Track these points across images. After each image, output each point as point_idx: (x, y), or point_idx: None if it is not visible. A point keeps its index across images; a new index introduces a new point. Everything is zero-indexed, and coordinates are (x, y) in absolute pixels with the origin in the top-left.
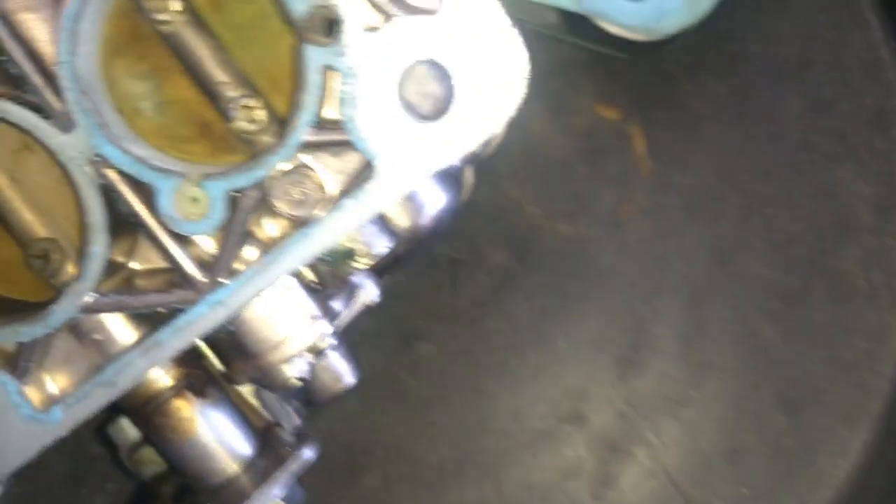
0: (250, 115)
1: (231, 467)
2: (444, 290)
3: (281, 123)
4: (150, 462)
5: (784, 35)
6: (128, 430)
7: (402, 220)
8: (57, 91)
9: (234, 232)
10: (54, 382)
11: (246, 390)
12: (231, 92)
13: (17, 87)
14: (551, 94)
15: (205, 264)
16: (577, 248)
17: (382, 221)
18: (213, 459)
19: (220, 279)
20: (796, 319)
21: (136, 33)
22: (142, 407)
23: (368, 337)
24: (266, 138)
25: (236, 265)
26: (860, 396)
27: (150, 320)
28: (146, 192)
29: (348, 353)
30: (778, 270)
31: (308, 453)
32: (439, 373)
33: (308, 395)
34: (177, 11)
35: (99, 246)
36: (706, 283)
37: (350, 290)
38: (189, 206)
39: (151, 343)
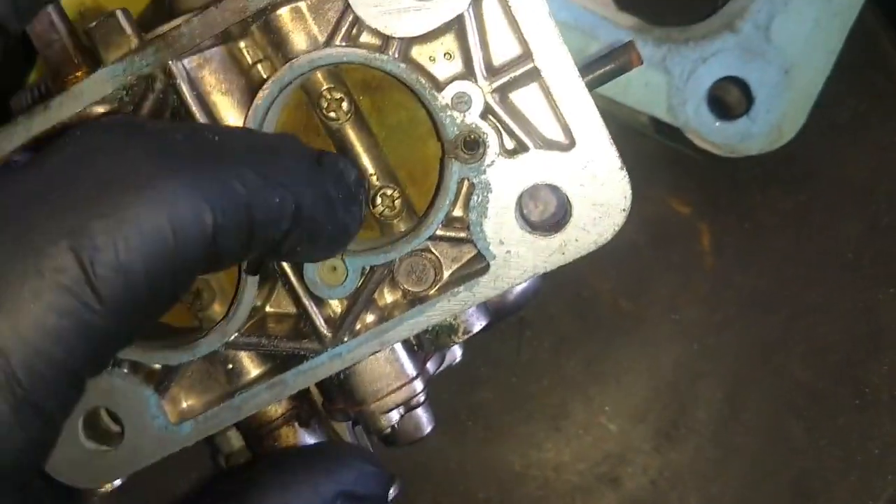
0: (390, 203)
1: None
2: (509, 344)
3: (412, 211)
4: None
5: (853, 161)
6: (233, 440)
7: (498, 301)
8: None
9: (361, 300)
10: (186, 401)
11: (340, 426)
12: (377, 181)
13: None
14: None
15: (330, 322)
16: (634, 324)
17: (483, 304)
18: None
19: (343, 337)
20: (821, 418)
21: (307, 124)
22: (255, 429)
23: (438, 377)
24: (399, 222)
25: (357, 326)
26: (866, 495)
27: (273, 358)
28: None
29: (428, 403)
30: (812, 373)
31: (394, 493)
32: (495, 418)
33: (389, 438)
34: (344, 112)
35: (249, 295)
36: (747, 375)
37: (441, 354)
38: (328, 273)
39: (277, 381)
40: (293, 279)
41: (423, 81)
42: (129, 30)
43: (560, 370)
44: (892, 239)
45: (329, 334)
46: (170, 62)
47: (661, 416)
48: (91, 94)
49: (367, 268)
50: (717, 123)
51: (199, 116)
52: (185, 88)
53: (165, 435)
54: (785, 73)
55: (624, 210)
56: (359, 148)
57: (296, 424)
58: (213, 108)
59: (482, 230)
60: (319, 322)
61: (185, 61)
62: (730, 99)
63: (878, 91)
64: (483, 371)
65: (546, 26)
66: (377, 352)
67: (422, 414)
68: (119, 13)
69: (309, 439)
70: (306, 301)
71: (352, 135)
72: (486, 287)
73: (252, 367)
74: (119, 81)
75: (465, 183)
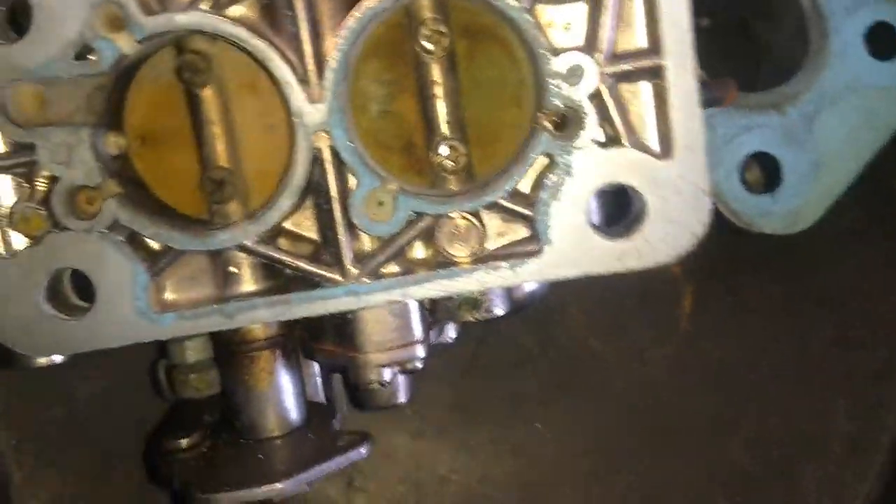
0: (454, 156)
1: (278, 429)
2: (468, 346)
3: (469, 173)
4: (194, 387)
5: (846, 269)
6: (189, 351)
7: (517, 293)
8: (320, 66)
9: (397, 244)
10: (172, 292)
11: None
12: (446, 130)
13: (277, 36)
14: None
15: (357, 257)
16: (596, 364)
17: (508, 291)
18: (267, 415)
19: (365, 276)
20: (750, 500)
21: (396, 47)
22: (234, 344)
23: None
24: (453, 179)
25: (382, 270)
26: None
27: (277, 276)
28: (343, 180)
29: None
30: (751, 460)
31: (362, 452)
32: (435, 414)
33: (367, 397)
34: (442, 47)
35: (287, 202)
36: (689, 443)
37: (442, 327)
38: (374, 207)
39: (281, 301)
40: (336, 201)
41: (543, 40)
42: None
43: (512, 385)
44: (858, 354)
45: (354, 269)
46: None
47: (597, 457)
48: None
49: (413, 214)
50: (744, 193)
51: (300, 8)
52: None
53: (141, 320)
54: (816, 166)
55: (695, 236)
56: (440, 89)
57: (278, 352)
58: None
59: (548, 212)
60: (347, 253)
61: None
62: (749, 176)
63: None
64: (436, 362)
65: (685, 26)
66: (395, 302)
67: (404, 382)
68: None
69: (284, 373)
70: (341, 227)
71: (438, 74)
72: (531, 271)
73: (253, 279)
74: None
75: (546, 159)
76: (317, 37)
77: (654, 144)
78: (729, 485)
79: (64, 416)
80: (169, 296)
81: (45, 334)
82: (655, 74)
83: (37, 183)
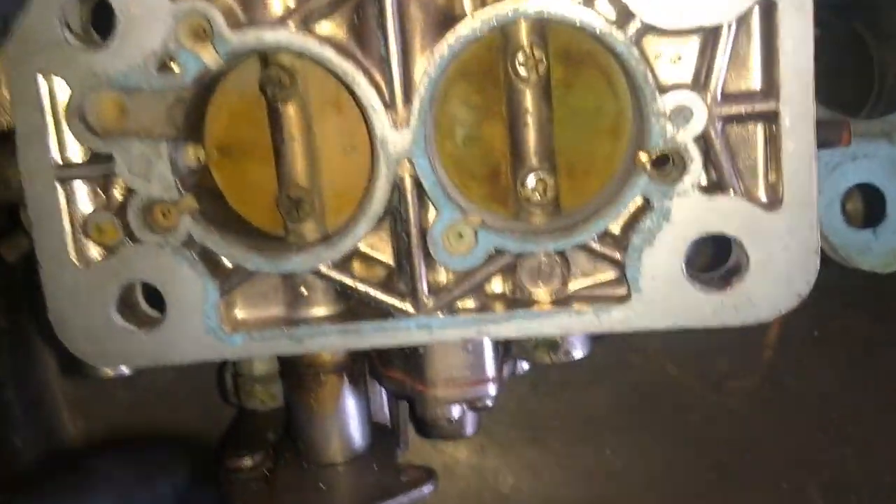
0: (542, 189)
1: (341, 455)
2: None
3: (555, 206)
4: (260, 399)
5: None
6: (257, 362)
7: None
8: (407, 91)
9: (475, 279)
10: (241, 311)
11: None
12: (535, 160)
13: (365, 56)
14: None
15: (432, 289)
16: (672, 391)
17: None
18: (330, 440)
19: (439, 310)
20: None
21: (488, 70)
22: (302, 366)
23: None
24: (539, 212)
25: (458, 304)
26: None
27: (348, 299)
28: (422, 210)
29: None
30: (825, 503)
31: (425, 492)
32: (499, 431)
33: (435, 429)
34: (538, 74)
35: (363, 228)
36: (763, 481)
37: (514, 363)
38: (453, 239)
39: (353, 329)
40: (414, 231)
41: (650, 77)
42: None
43: (583, 406)
44: None
45: (429, 302)
46: None
47: (666, 490)
48: None
49: (494, 250)
50: (844, 226)
51: (391, 19)
52: None
53: (211, 338)
54: None
55: (800, 296)
56: (531, 117)
57: (345, 377)
58: (411, 17)
59: (640, 259)
60: (422, 285)
61: None
62: (850, 207)
63: None
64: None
65: (807, 72)
66: (469, 339)
67: (472, 416)
68: None
69: (350, 399)
70: (417, 258)
71: (531, 101)
72: (617, 319)
73: (324, 301)
74: None
75: (641, 201)
76: (406, 60)
77: (762, 195)
78: None
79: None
80: (239, 313)
81: (114, 346)
82: (770, 119)
83: (113, 193)
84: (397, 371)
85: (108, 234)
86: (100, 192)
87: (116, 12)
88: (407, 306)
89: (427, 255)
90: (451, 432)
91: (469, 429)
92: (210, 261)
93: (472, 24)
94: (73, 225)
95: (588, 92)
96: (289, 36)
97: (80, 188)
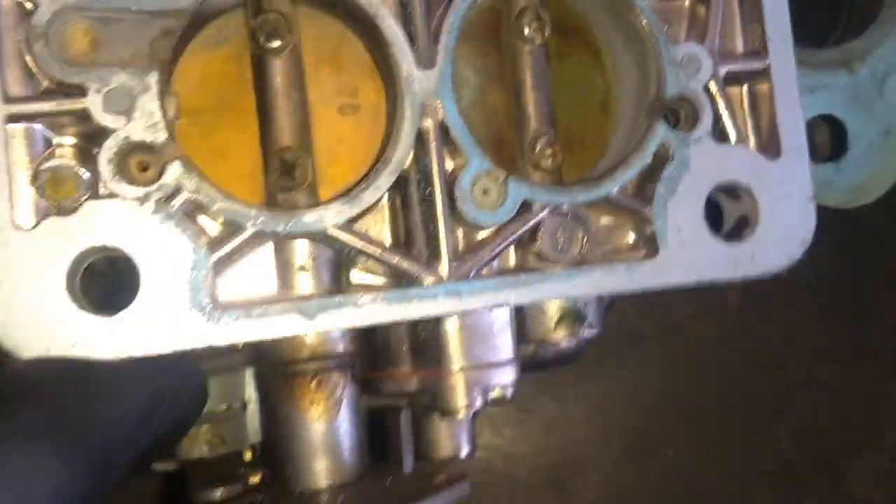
0: (551, 152)
1: (338, 477)
2: None
3: (560, 176)
4: (205, 443)
5: None
6: None
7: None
8: (431, 28)
9: (503, 238)
10: (228, 291)
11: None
12: (538, 125)
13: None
14: None
15: (456, 254)
16: (637, 339)
17: (601, 311)
18: (335, 454)
19: (468, 274)
20: (790, 497)
21: (491, 34)
22: (301, 362)
23: None
24: (547, 176)
25: (484, 270)
26: None
27: (344, 280)
28: (444, 164)
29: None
30: (797, 449)
31: (464, 489)
32: None
33: (421, 447)
34: (542, 36)
35: (385, 180)
36: (731, 427)
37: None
38: (479, 194)
39: (375, 299)
40: (438, 183)
41: (662, 26)
42: None
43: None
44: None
45: (455, 267)
46: None
47: (631, 439)
48: None
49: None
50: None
51: None
52: None
53: (199, 317)
54: (886, 133)
55: (804, 242)
56: (531, 79)
57: (349, 374)
58: None
59: (665, 208)
60: (447, 247)
61: None
62: (818, 138)
63: None
64: None
65: (786, 26)
66: (500, 306)
67: (468, 432)
68: None
69: (348, 405)
70: (442, 217)
71: (530, 64)
72: (647, 275)
73: (317, 280)
74: None
75: (660, 155)
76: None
77: (760, 147)
78: (771, 476)
79: None
80: (222, 295)
81: (60, 333)
82: (763, 76)
83: (68, 139)
84: (403, 367)
85: (66, 188)
86: (55, 136)
87: None
88: (432, 272)
89: (453, 215)
90: (447, 448)
91: (464, 449)
92: (195, 221)
93: None
94: (18, 176)
95: (578, 66)
96: None
97: (32, 130)
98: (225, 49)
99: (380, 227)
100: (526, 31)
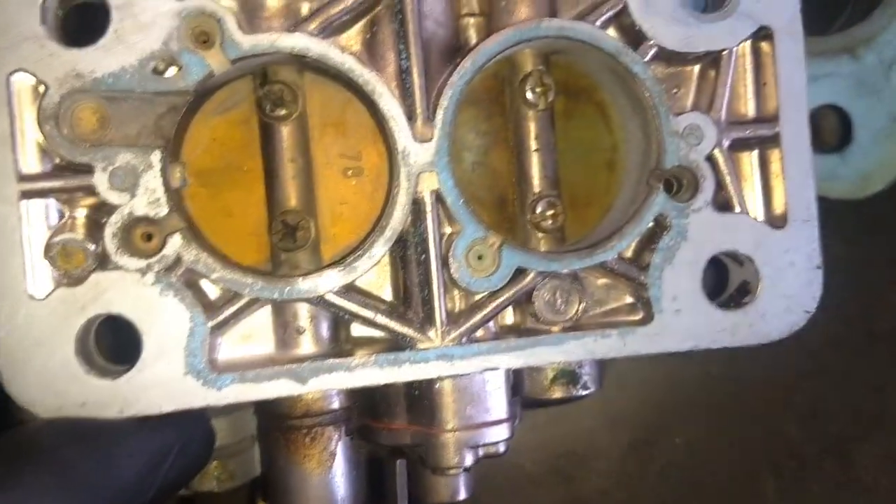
0: (552, 214)
1: None
2: None
3: (562, 235)
4: (214, 478)
5: None
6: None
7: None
8: (429, 103)
9: (496, 303)
10: (228, 351)
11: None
12: (542, 186)
13: (379, 71)
14: None
15: (450, 317)
16: None
17: (598, 368)
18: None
19: (458, 339)
20: (797, 482)
21: (494, 97)
22: (295, 418)
23: None
24: (546, 240)
25: (478, 333)
26: None
27: (343, 340)
28: (440, 230)
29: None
30: (805, 435)
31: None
32: None
33: (417, 492)
34: (546, 100)
35: (380, 248)
36: (739, 416)
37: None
38: (474, 260)
39: (365, 363)
40: (433, 250)
41: (664, 98)
42: None
43: None
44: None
45: (448, 330)
46: None
47: (638, 428)
48: None
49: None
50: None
51: (413, 34)
52: (412, 6)
53: (195, 381)
54: (893, 120)
55: (807, 312)
56: (536, 143)
57: (343, 429)
58: (425, 38)
59: (661, 277)
60: (440, 312)
61: None
62: (826, 127)
63: None
64: None
65: (801, 92)
66: (492, 370)
67: (465, 476)
68: None
69: (342, 456)
70: (437, 282)
71: (537, 127)
72: (640, 341)
73: (317, 342)
74: None
75: (659, 222)
76: (428, 72)
77: (767, 214)
78: (779, 462)
79: None
80: (222, 355)
81: (74, 394)
82: (773, 142)
83: (79, 211)
84: (399, 421)
85: (75, 259)
86: (67, 210)
87: (112, 8)
88: (426, 335)
89: (445, 280)
90: (446, 493)
91: (460, 493)
92: (196, 291)
93: (498, 39)
94: (32, 248)
95: (586, 125)
96: (308, 42)
97: (45, 205)
98: (234, 114)
99: (381, 281)
100: (530, 95)
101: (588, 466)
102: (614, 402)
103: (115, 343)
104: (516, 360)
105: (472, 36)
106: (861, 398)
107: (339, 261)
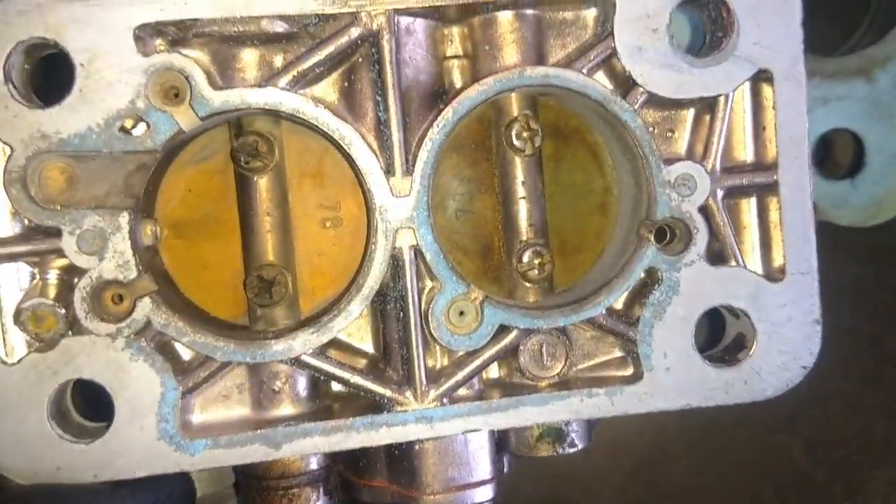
0: (539, 264)
1: None
2: None
3: (550, 284)
4: None
5: None
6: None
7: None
8: (407, 156)
9: (478, 362)
10: (202, 411)
11: None
12: (529, 234)
13: (357, 122)
14: None
15: (430, 376)
16: None
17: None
18: None
19: (439, 399)
20: None
21: (479, 143)
22: (267, 479)
23: None
24: (533, 290)
25: (459, 392)
26: None
27: (321, 397)
28: (420, 286)
29: None
30: (811, 462)
31: None
32: None
33: None
34: (533, 144)
35: (357, 307)
36: (746, 443)
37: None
38: (455, 316)
39: (340, 427)
40: (412, 309)
41: (655, 147)
42: None
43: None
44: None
45: (427, 391)
46: (392, 12)
47: (642, 452)
48: (281, 5)
49: (499, 325)
50: (816, 179)
51: (392, 85)
52: (389, 48)
53: (167, 446)
54: None
55: (805, 368)
56: (523, 189)
57: (320, 489)
58: (405, 86)
59: (651, 333)
60: (420, 372)
61: (402, 20)
62: (838, 151)
63: None
64: None
65: (801, 139)
66: (473, 430)
67: None
68: None
69: None
70: (415, 340)
71: (523, 173)
72: (629, 400)
73: (295, 401)
74: (321, 6)
75: (650, 274)
76: (406, 125)
77: (766, 265)
78: (785, 488)
79: None
80: (198, 416)
81: (47, 459)
82: (771, 191)
83: (51, 273)
84: (380, 479)
85: (46, 324)
86: (38, 272)
87: (76, 65)
88: (405, 397)
89: (425, 337)
90: None
91: None
92: (167, 353)
93: (480, 88)
94: (3, 313)
95: (576, 168)
96: (279, 95)
97: (16, 268)
98: (209, 163)
99: (362, 332)
100: (516, 141)
101: (590, 491)
102: (616, 425)
103: (94, 391)
104: (498, 421)
105: (457, 79)
106: (871, 424)
107: (315, 321)
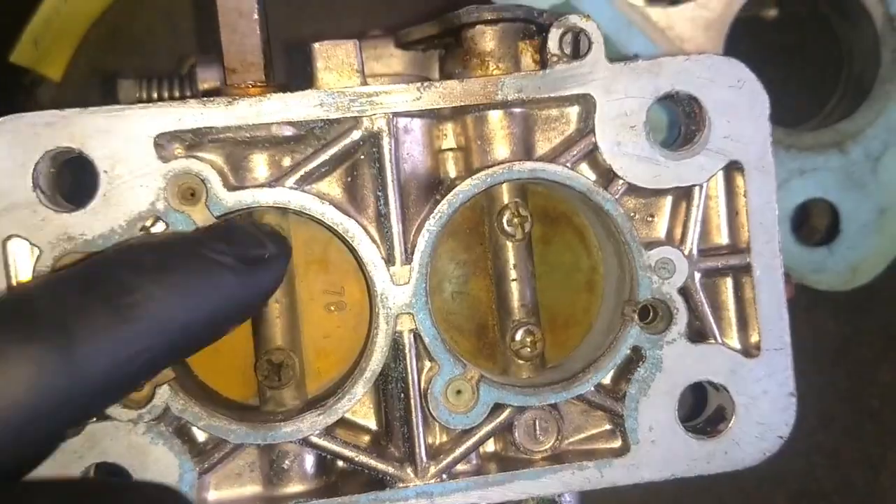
0: (531, 342)
1: None
2: None
3: (541, 360)
4: None
5: None
6: None
7: None
8: (407, 246)
9: (475, 438)
10: (216, 489)
11: None
12: (521, 314)
13: (359, 214)
14: None
15: (430, 453)
16: None
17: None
18: None
19: (438, 475)
20: None
21: (473, 228)
22: None
23: None
24: (526, 366)
25: (457, 468)
26: None
27: (329, 472)
28: (420, 368)
29: None
30: None
31: None
32: None
33: None
34: (523, 231)
35: (361, 390)
36: (728, 493)
37: None
38: (453, 395)
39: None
40: (413, 390)
41: (635, 234)
42: (356, 65)
43: None
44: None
45: (428, 467)
46: (391, 115)
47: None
48: (289, 112)
49: (494, 404)
50: (796, 247)
51: (391, 181)
52: (389, 148)
53: None
54: (880, 213)
55: (781, 438)
56: (517, 272)
57: None
58: (404, 179)
59: (636, 408)
60: (421, 449)
61: (400, 121)
62: (815, 220)
63: None
64: None
65: (772, 224)
66: None
67: None
68: (353, 44)
69: None
70: (416, 419)
71: (515, 257)
72: (618, 471)
73: (304, 478)
74: (326, 112)
75: (635, 351)
76: (405, 216)
77: (743, 341)
78: None
79: None
80: (212, 495)
81: None
82: (745, 272)
83: None
84: None
85: None
86: None
87: (99, 171)
88: (406, 473)
89: (425, 416)
90: None
91: None
92: (184, 437)
93: (472, 182)
94: None
95: (564, 249)
96: (287, 194)
97: None
98: None
99: (366, 410)
100: (507, 227)
101: None
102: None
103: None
104: (495, 495)
105: (451, 169)
106: (853, 476)
107: (321, 403)
